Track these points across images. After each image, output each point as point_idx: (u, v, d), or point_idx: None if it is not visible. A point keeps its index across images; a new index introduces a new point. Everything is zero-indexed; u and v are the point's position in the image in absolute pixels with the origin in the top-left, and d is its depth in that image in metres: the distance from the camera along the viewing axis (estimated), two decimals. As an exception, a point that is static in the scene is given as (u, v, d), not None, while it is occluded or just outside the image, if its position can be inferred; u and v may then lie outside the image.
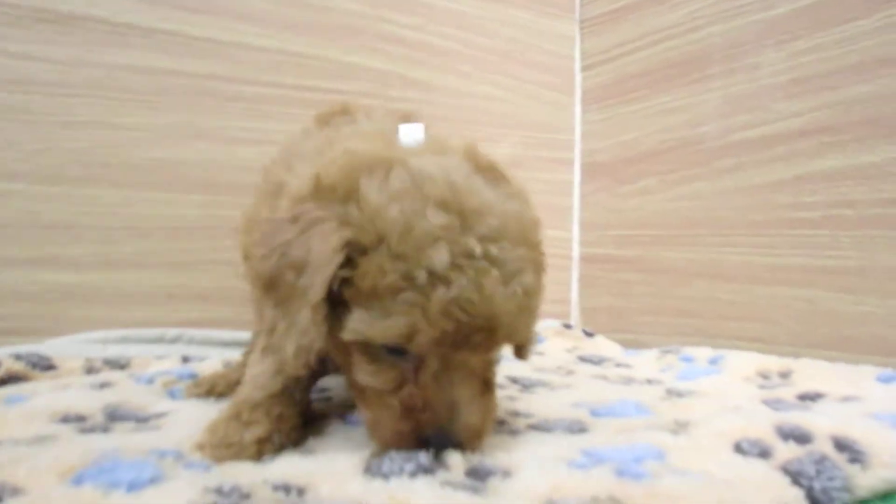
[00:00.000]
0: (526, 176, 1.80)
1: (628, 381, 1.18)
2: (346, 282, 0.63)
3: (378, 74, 1.63)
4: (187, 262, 1.40)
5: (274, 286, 0.66)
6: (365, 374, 0.67)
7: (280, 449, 0.72)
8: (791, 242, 1.40)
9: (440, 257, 0.61)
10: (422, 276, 0.60)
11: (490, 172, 0.71)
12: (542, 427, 0.81)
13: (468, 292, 0.61)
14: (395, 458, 0.61)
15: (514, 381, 1.15)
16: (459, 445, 0.64)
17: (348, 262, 0.63)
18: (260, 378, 0.77)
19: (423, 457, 0.61)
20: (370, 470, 0.59)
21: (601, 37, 1.92)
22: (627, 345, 1.67)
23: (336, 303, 0.64)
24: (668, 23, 1.70)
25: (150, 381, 1.06)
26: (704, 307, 1.58)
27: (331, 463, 0.62)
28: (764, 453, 0.64)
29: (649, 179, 1.74)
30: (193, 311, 1.40)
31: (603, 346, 1.65)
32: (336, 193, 0.66)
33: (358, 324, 0.63)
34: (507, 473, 0.59)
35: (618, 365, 1.39)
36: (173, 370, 1.15)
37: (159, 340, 1.33)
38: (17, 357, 1.07)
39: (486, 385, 0.69)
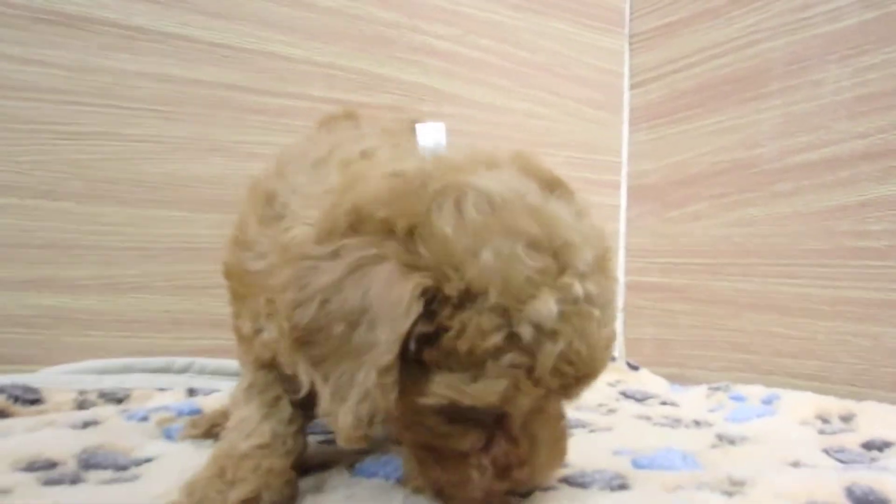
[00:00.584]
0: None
1: (674, 422, 1.11)
2: (424, 339, 0.53)
3: (411, 87, 1.56)
4: (197, 286, 1.31)
5: (312, 340, 0.53)
6: (444, 436, 0.59)
7: None
8: (854, 274, 1.33)
9: (548, 310, 0.52)
10: (528, 334, 0.52)
11: (558, 188, 0.61)
12: (577, 482, 0.72)
13: (576, 344, 0.54)
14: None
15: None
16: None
17: (426, 315, 0.52)
18: (246, 425, 0.70)
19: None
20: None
21: (651, 52, 1.86)
22: (673, 378, 1.58)
23: (404, 359, 0.53)
24: (723, 37, 1.63)
25: (145, 418, 0.98)
26: (757, 341, 1.51)
27: None
28: None
29: (700, 204, 1.67)
30: (204, 337, 1.31)
31: (647, 380, 1.56)
32: (388, 225, 0.54)
33: (446, 389, 0.54)
34: None
35: (663, 403, 1.31)
36: (173, 406, 1.06)
37: (166, 370, 1.24)
38: (0, 390, 0.96)
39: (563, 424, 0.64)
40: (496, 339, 0.51)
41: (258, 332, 0.69)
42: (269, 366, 0.71)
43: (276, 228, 0.67)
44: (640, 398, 1.35)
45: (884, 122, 1.29)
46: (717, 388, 1.33)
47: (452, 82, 1.61)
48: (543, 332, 0.52)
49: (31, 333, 1.19)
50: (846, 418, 1.08)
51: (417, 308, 0.50)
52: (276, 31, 1.39)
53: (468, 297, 0.51)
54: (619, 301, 1.86)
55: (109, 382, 1.14)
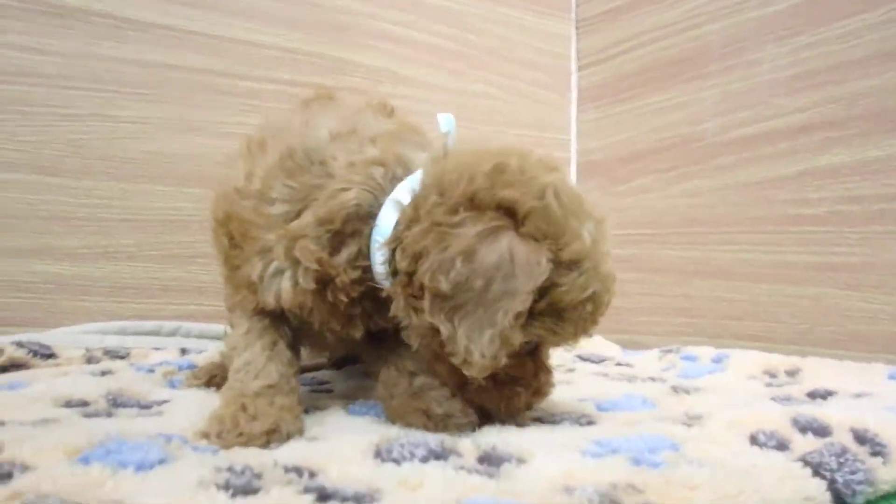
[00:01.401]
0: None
1: (631, 378, 1.16)
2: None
3: (370, 70, 1.63)
4: (183, 255, 1.40)
5: (453, 295, 0.65)
6: (508, 367, 0.70)
7: (288, 438, 0.69)
8: (795, 239, 1.39)
9: (608, 273, 0.71)
10: (599, 289, 0.69)
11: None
12: (548, 420, 0.80)
13: (607, 297, 0.72)
14: (404, 444, 0.60)
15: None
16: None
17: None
18: (252, 367, 0.76)
19: (433, 441, 0.61)
20: (380, 455, 0.59)
21: (597, 36, 1.91)
22: (626, 345, 1.63)
23: None
24: (665, 21, 1.69)
25: (151, 370, 1.06)
26: (704, 306, 1.57)
27: (339, 448, 0.61)
28: (781, 445, 0.62)
29: (646, 178, 1.73)
30: (190, 303, 1.40)
31: (601, 345, 1.61)
32: (506, 205, 0.68)
33: (541, 329, 0.69)
34: (520, 460, 0.58)
35: (618, 364, 1.37)
36: (172, 361, 1.15)
37: (156, 333, 1.33)
38: (19, 345, 1.07)
39: None
40: (587, 293, 0.68)
41: (274, 275, 0.75)
42: (266, 313, 0.78)
43: (303, 178, 0.76)
44: (597, 360, 1.41)
45: (820, 97, 1.34)
46: (669, 350, 1.39)
47: (408, 65, 1.68)
48: (603, 289, 0.70)
49: (34, 298, 1.27)
50: (791, 372, 1.14)
51: (548, 270, 0.66)
52: (246, 19, 1.47)
53: (573, 264, 0.68)
54: None
55: (111, 342, 1.23)
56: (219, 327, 1.37)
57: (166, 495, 0.46)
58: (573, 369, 1.28)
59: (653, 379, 1.15)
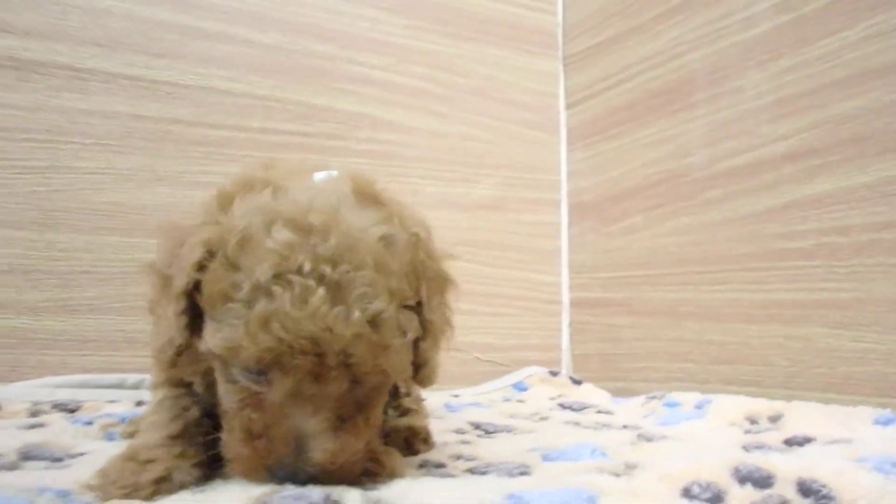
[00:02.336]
0: (509, 218, 1.80)
1: (602, 426, 1.13)
2: (198, 287, 0.65)
3: (347, 116, 1.62)
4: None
5: (165, 283, 0.68)
6: (221, 391, 0.67)
7: (181, 488, 0.66)
8: (783, 276, 1.33)
9: (264, 270, 0.60)
10: (247, 288, 0.60)
11: (368, 197, 0.70)
12: (479, 471, 0.77)
13: (288, 308, 0.59)
14: (286, 497, 0.57)
15: (476, 426, 1.11)
16: (309, 480, 0.61)
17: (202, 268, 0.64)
18: (157, 424, 0.73)
19: (318, 495, 0.57)
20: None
21: (585, 72, 1.89)
22: (618, 392, 1.57)
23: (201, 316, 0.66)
24: (650, 52, 1.66)
25: (89, 422, 1.04)
26: (695, 350, 1.50)
27: (219, 499, 0.60)
28: (716, 498, 0.58)
29: (636, 217, 1.68)
30: (155, 356, 1.36)
31: (590, 393, 1.57)
32: (220, 204, 0.69)
33: (205, 334, 0.64)
34: None
35: (599, 412, 1.32)
36: (117, 413, 1.12)
37: (119, 386, 1.30)
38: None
39: (351, 421, 0.65)
40: (224, 285, 0.62)
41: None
42: (181, 384, 0.77)
43: None
44: (577, 408, 1.37)
45: (804, 123, 1.30)
46: (654, 397, 1.33)
47: (388, 109, 1.67)
48: (259, 290, 0.60)
49: (-7, 352, 1.25)
50: (774, 418, 1.08)
51: (197, 253, 0.64)
52: (215, 66, 1.46)
53: (220, 250, 0.63)
54: (563, 319, 1.89)
55: (63, 395, 1.20)
56: (185, 380, 1.34)
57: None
58: (547, 418, 1.24)
59: (625, 427, 1.11)
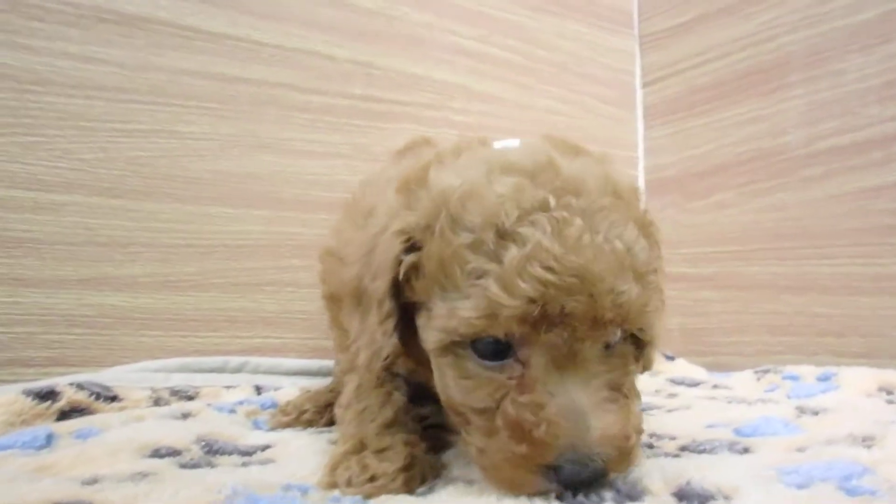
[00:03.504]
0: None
1: (742, 401, 1.06)
2: (413, 275, 0.59)
3: (442, 86, 1.56)
4: (250, 283, 1.29)
5: (358, 298, 0.63)
6: (459, 392, 0.58)
7: (423, 480, 0.62)
8: (892, 251, 1.32)
9: (507, 213, 0.53)
10: (490, 239, 0.53)
11: (574, 150, 0.64)
12: (699, 449, 0.71)
13: (548, 243, 0.52)
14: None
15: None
16: (600, 472, 0.52)
17: (412, 252, 0.59)
18: (367, 413, 0.69)
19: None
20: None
21: (664, 51, 1.87)
22: (709, 367, 1.54)
23: (413, 312, 0.60)
24: (739, 34, 1.64)
25: (232, 410, 0.98)
26: (797, 323, 1.48)
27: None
28: None
29: (725, 193, 1.67)
30: (257, 336, 1.29)
31: (687, 369, 1.52)
32: (409, 188, 0.63)
33: (432, 320, 0.57)
34: (727, 497, 0.52)
35: (715, 387, 1.27)
36: (252, 399, 1.06)
37: (221, 369, 1.22)
38: (79, 387, 0.95)
39: (619, 392, 0.57)
40: (457, 247, 0.55)
41: None
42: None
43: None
44: (691, 384, 1.32)
45: None
46: (766, 371, 1.29)
47: (480, 80, 1.62)
48: (506, 235, 0.53)
49: (90, 334, 1.16)
50: None
51: (398, 244, 0.59)
52: (318, 30, 1.39)
53: (436, 219, 0.57)
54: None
55: (177, 380, 1.13)
56: (290, 362, 1.28)
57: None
58: (676, 394, 1.20)
59: (763, 401, 1.06)
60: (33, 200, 1.13)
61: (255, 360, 1.25)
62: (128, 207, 1.20)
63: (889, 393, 1.05)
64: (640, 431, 0.58)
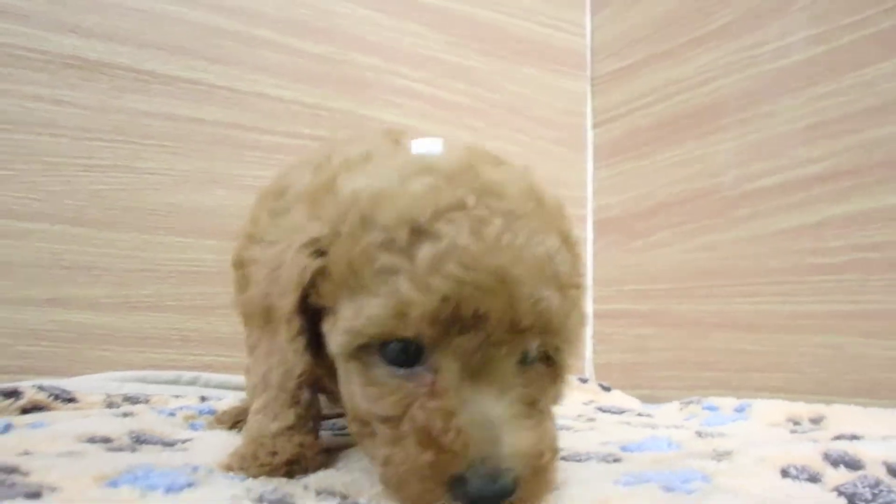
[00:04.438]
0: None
1: (653, 426, 1.13)
2: (320, 280, 0.56)
3: (391, 127, 1.63)
4: (203, 307, 1.40)
5: (267, 316, 0.62)
6: (365, 399, 0.55)
7: (307, 473, 0.64)
8: (813, 289, 1.36)
9: (420, 210, 0.51)
10: (402, 237, 0.51)
11: (494, 159, 0.62)
12: (574, 458, 0.77)
13: (464, 241, 0.49)
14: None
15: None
16: (509, 489, 0.48)
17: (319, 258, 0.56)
18: (270, 409, 0.68)
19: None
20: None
21: (612, 93, 1.92)
22: (645, 399, 1.59)
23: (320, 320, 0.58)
24: (679, 76, 1.70)
25: (172, 413, 1.06)
26: (725, 359, 1.53)
27: (366, 481, 0.59)
28: (813, 478, 0.61)
29: (663, 233, 1.72)
30: (209, 354, 1.40)
31: (621, 399, 1.59)
32: (315, 199, 0.61)
33: (338, 322, 0.55)
34: (554, 490, 0.56)
35: (639, 415, 1.34)
36: (193, 406, 1.15)
37: (175, 382, 1.31)
38: (40, 388, 1.06)
39: (534, 408, 0.54)
40: (366, 244, 0.52)
41: None
42: None
43: (283, 219, 0.70)
44: (617, 412, 1.38)
45: (837, 147, 1.33)
46: (690, 402, 1.34)
47: (428, 122, 1.69)
48: (421, 232, 0.50)
49: (56, 346, 1.27)
50: (816, 420, 1.10)
51: (303, 256, 0.57)
52: (268, 74, 1.49)
53: (344, 221, 0.55)
54: (587, 325, 1.93)
55: (130, 388, 1.23)
56: (238, 378, 1.36)
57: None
58: (594, 419, 1.26)
59: (676, 426, 1.13)
60: (5, 227, 1.26)
61: (206, 376, 1.35)
62: (90, 235, 1.32)
63: (796, 423, 1.11)
64: (555, 451, 0.54)
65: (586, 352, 1.91)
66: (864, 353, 1.28)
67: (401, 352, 0.52)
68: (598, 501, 0.53)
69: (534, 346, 0.54)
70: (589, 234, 1.95)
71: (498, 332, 0.50)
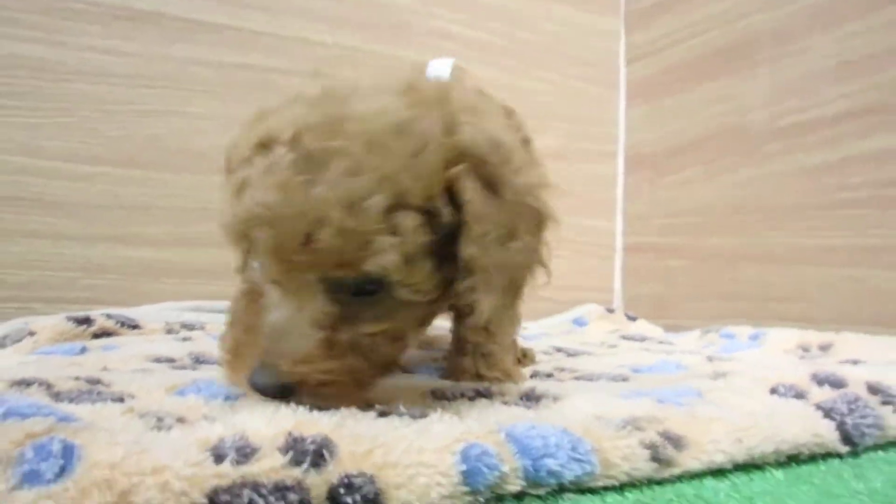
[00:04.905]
0: (570, 168, 1.89)
1: (669, 352, 1.19)
2: None
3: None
4: (251, 241, 1.48)
5: None
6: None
7: None
8: (837, 224, 1.39)
9: (250, 139, 0.58)
10: (236, 158, 0.60)
11: (420, 91, 0.60)
12: (586, 378, 0.85)
13: (260, 175, 0.55)
14: (456, 389, 0.69)
15: (558, 349, 1.21)
16: (271, 388, 0.55)
17: None
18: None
19: (481, 387, 0.69)
20: (435, 394, 0.68)
21: (645, 30, 1.94)
22: (670, 329, 1.65)
23: None
24: (713, 11, 1.70)
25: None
26: (749, 289, 1.57)
27: (402, 391, 0.68)
28: (799, 395, 0.66)
29: (694, 169, 1.75)
30: (255, 284, 1.49)
31: (645, 328, 1.67)
32: None
33: None
34: (556, 398, 0.64)
35: (660, 342, 1.40)
36: None
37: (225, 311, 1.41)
38: (108, 316, 1.17)
39: (353, 329, 0.57)
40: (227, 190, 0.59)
41: None
42: None
43: None
44: (639, 339, 1.44)
45: (865, 84, 1.35)
46: (709, 330, 1.40)
47: (465, 63, 1.72)
48: (245, 161, 0.57)
49: (119, 280, 1.38)
50: (824, 347, 1.15)
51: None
52: (309, 20, 1.56)
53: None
54: (616, 263, 1.98)
55: (188, 317, 1.33)
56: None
57: (257, 408, 0.53)
58: (615, 345, 1.33)
59: (690, 353, 1.18)
60: (71, 170, 1.36)
61: (256, 304, 1.44)
62: (146, 177, 1.42)
63: (805, 350, 1.17)
64: (337, 373, 0.56)
65: (615, 284, 1.98)
66: (881, 285, 1.32)
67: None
68: (594, 409, 0.59)
69: (342, 275, 0.55)
70: (620, 170, 2.00)
71: (276, 259, 0.55)
